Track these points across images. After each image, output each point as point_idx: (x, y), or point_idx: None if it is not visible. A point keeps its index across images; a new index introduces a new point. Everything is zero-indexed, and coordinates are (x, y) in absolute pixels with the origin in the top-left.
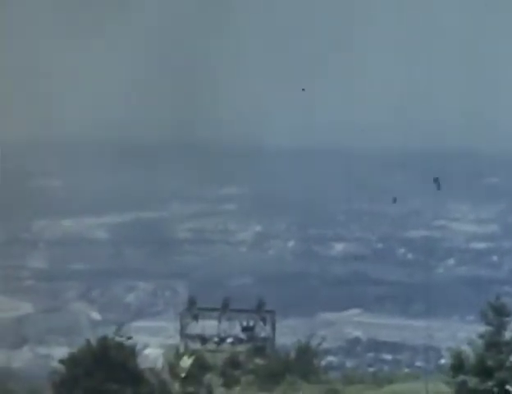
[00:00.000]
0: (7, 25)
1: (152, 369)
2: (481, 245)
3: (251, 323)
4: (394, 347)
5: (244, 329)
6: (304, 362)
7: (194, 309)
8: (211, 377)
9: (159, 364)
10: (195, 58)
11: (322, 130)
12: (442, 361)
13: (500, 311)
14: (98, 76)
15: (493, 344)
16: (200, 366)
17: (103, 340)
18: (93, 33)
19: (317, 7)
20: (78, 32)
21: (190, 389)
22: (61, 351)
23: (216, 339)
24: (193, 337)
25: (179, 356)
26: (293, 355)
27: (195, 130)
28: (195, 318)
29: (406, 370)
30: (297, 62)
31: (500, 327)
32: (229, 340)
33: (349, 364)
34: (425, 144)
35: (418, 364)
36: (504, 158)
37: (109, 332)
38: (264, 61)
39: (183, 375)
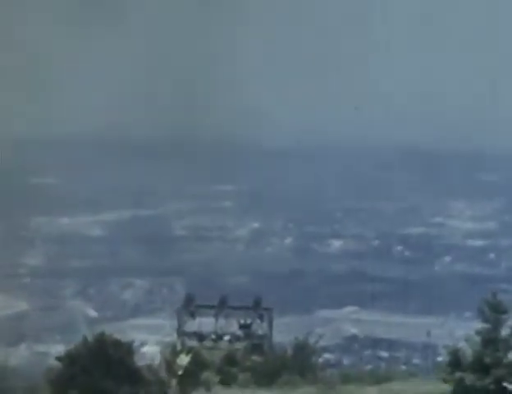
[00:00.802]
0: (7, 25)
1: (149, 367)
2: (478, 243)
3: (248, 321)
4: (391, 344)
5: (242, 327)
6: (302, 359)
7: (191, 307)
8: (208, 375)
9: (156, 361)
10: (195, 56)
11: (319, 128)
12: (439, 358)
13: (496, 308)
14: (97, 75)
15: (490, 341)
16: (197, 363)
17: (100, 337)
18: (94, 32)
19: (317, 6)
20: (78, 32)
21: (187, 386)
22: (57, 349)
23: (213, 336)
24: (190, 335)
25: (176, 354)
26: (290, 352)
27: (192, 128)
28: (192, 315)
29: (403, 367)
30: (297, 62)
31: (496, 325)
32: (226, 337)
33: (346, 361)
34: (423, 141)
35: (416, 361)
36: (502, 155)
37: (106, 329)
38: (264, 60)
39: (180, 372)
